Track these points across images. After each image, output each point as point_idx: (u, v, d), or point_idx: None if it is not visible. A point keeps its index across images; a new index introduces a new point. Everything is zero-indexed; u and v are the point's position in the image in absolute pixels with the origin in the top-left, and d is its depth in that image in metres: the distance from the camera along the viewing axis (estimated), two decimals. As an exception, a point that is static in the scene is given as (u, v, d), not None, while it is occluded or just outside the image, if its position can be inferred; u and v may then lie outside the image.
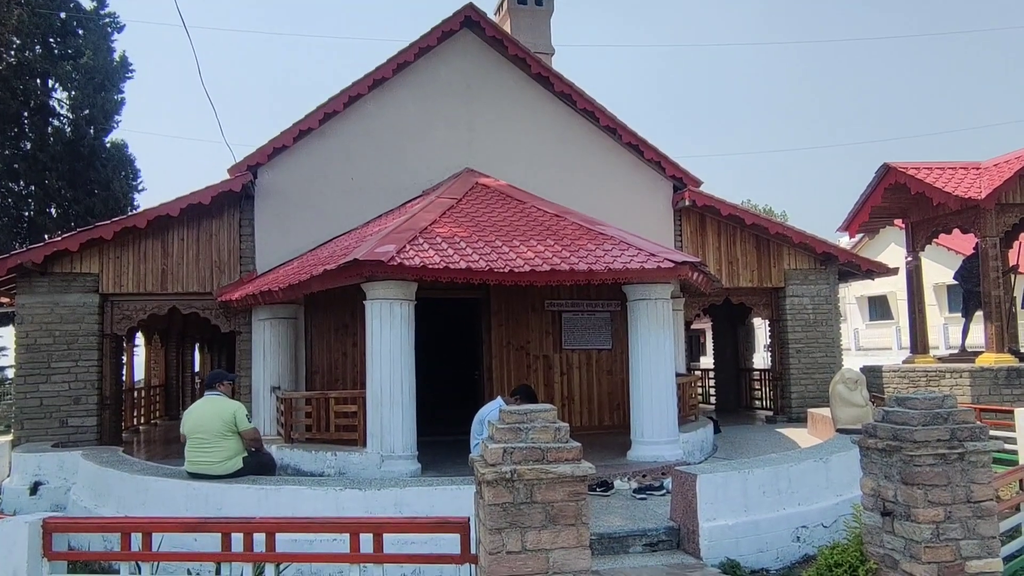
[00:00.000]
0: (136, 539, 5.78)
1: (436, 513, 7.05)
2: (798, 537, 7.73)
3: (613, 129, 15.13)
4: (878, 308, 39.48)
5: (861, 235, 26.51)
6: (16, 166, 24.45)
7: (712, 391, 21.18)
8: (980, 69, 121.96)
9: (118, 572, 6.07)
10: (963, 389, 13.76)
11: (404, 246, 9.74)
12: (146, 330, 20.30)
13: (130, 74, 26.40)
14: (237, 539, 5.66)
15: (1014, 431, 10.78)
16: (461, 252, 9.91)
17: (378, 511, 7.25)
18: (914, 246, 16.32)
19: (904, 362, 16.15)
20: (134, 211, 17.72)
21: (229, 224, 13.87)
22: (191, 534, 6.30)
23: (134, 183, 26.58)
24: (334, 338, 13.22)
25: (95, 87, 25.14)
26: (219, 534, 5.69)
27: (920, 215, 16.02)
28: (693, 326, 26.08)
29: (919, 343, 16.11)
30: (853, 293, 38.78)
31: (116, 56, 26.03)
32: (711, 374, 21.59)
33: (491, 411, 8.56)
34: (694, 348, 40.79)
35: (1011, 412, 11.13)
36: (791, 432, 14.16)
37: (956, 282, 16.93)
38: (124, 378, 16.10)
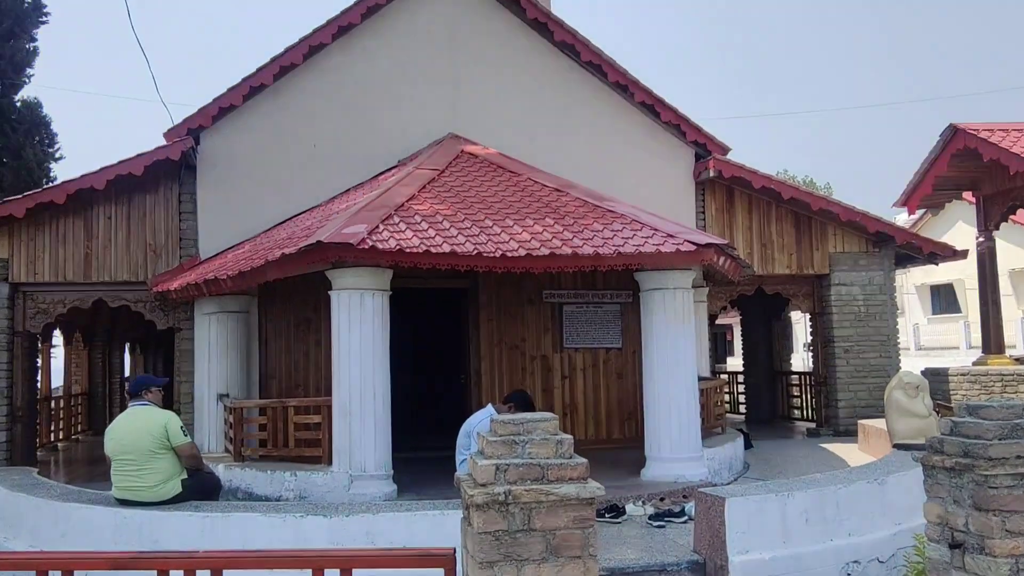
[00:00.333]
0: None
1: (416, 543, 7.04)
2: (848, 574, 7.75)
3: (624, 86, 15.11)
4: (943, 299, 39.58)
5: (922, 211, 26.44)
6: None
7: (742, 399, 21.23)
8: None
9: (35, 615, 6.06)
10: (1044, 395, 13.83)
11: (377, 226, 9.72)
12: (66, 327, 20.21)
13: (44, 18, 26.21)
14: (177, 576, 5.66)
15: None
16: (444, 233, 9.90)
17: (347, 542, 7.24)
18: (987, 224, 16.35)
19: (975, 363, 16.20)
20: (51, 184, 17.66)
21: (166, 199, 13.82)
22: (121, 571, 6.29)
23: (50, 150, 26.41)
24: (294, 336, 13.21)
25: (1, 34, 24.99)
26: (155, 571, 5.68)
27: (994, 187, 16.04)
28: (719, 321, 26.08)
29: (993, 341, 16.16)
30: (912, 281, 38.87)
31: (27, -4, 25.86)
32: (740, 378, 21.64)
33: (480, 422, 8.56)
34: (720, 347, 40.87)
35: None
36: (838, 448, 14.20)
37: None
38: (40, 385, 16.05)
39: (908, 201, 16.73)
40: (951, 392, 15.39)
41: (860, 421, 14.50)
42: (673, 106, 15.29)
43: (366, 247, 9.24)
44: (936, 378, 15.70)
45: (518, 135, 14.58)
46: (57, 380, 20.98)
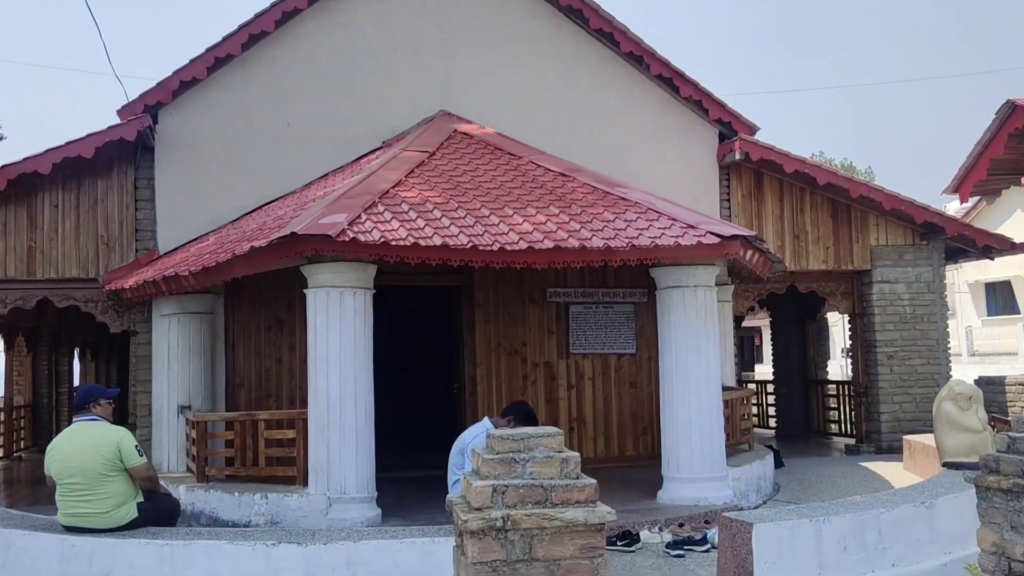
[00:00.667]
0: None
1: (402, 575, 7.04)
2: (890, 607, 7.76)
3: (638, 57, 15.12)
4: (999, 298, 39.61)
5: (976, 199, 26.43)
6: None
7: (772, 411, 21.26)
8: None
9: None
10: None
11: (359, 215, 9.72)
12: (6, 330, 20.26)
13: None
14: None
15: None
16: (435, 224, 9.91)
17: (324, 572, 7.24)
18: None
19: (1034, 371, 16.22)
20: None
21: (120, 186, 13.82)
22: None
23: (-11, 130, 26.53)
24: (265, 340, 13.22)
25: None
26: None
27: (1056, 172, 16.02)
28: (745, 323, 26.14)
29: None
30: (965, 278, 38.89)
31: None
32: (770, 388, 21.67)
33: (476, 437, 8.55)
34: (747, 352, 40.94)
35: None
36: (881, 467, 14.22)
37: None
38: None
39: (960, 187, 16.69)
40: (1008, 404, 15.40)
41: (905, 437, 14.52)
42: (694, 79, 15.30)
43: (346, 239, 9.24)
44: (991, 388, 15.72)
45: (518, 112, 14.59)
46: (-3, 390, 21.06)
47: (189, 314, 12.59)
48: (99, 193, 13.77)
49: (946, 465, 11.02)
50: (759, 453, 12.91)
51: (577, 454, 4.76)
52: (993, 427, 12.16)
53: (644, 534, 9.63)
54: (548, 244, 9.72)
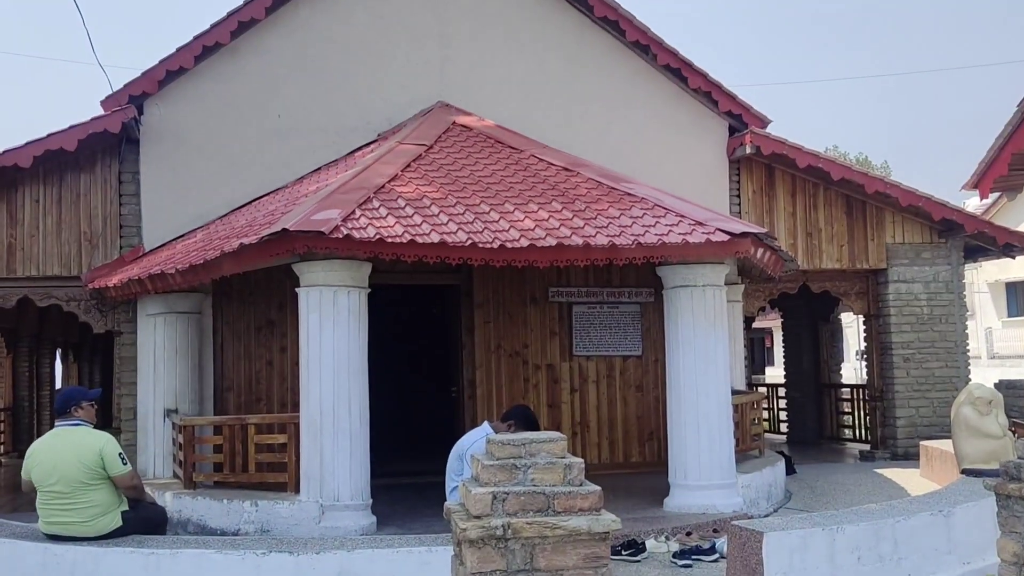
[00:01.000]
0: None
1: (398, 586, 7.06)
2: (906, 619, 7.78)
3: (645, 46, 15.11)
4: (1020, 298, 39.62)
5: (997, 195, 26.41)
6: None
7: (783, 415, 21.26)
8: None
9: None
10: None
11: (353, 211, 9.73)
12: (-13, 330, 20.28)
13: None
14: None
15: None
16: (433, 220, 9.91)
17: (316, 583, 7.26)
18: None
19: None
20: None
21: (104, 180, 13.82)
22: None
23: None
24: (255, 341, 13.23)
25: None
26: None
27: (1081, 166, 16.02)
28: (756, 324, 26.10)
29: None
30: (985, 278, 38.92)
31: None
32: (781, 392, 21.67)
33: (475, 443, 8.58)
34: (758, 355, 40.90)
35: None
36: (896, 473, 14.23)
37: None
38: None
39: (980, 183, 16.67)
40: (1030, 408, 15.39)
41: (922, 442, 14.52)
42: (703, 70, 15.30)
43: (340, 236, 9.25)
44: (1012, 392, 15.70)
45: (519, 104, 14.60)
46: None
47: (176, 314, 12.59)
48: (82, 187, 13.77)
49: (965, 472, 11.04)
50: (770, 459, 12.91)
51: (581, 460, 4.77)
52: (1014, 432, 12.17)
53: (650, 543, 9.64)
54: (551, 242, 9.73)
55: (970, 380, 15.37)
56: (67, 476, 7.87)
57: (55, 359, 24.76)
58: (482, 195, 10.78)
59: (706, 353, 10.68)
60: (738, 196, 15.61)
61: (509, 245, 9.63)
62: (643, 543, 9.58)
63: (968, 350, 16.41)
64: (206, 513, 10.52)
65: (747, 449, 12.65)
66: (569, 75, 15.00)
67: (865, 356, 17.60)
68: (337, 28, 14.46)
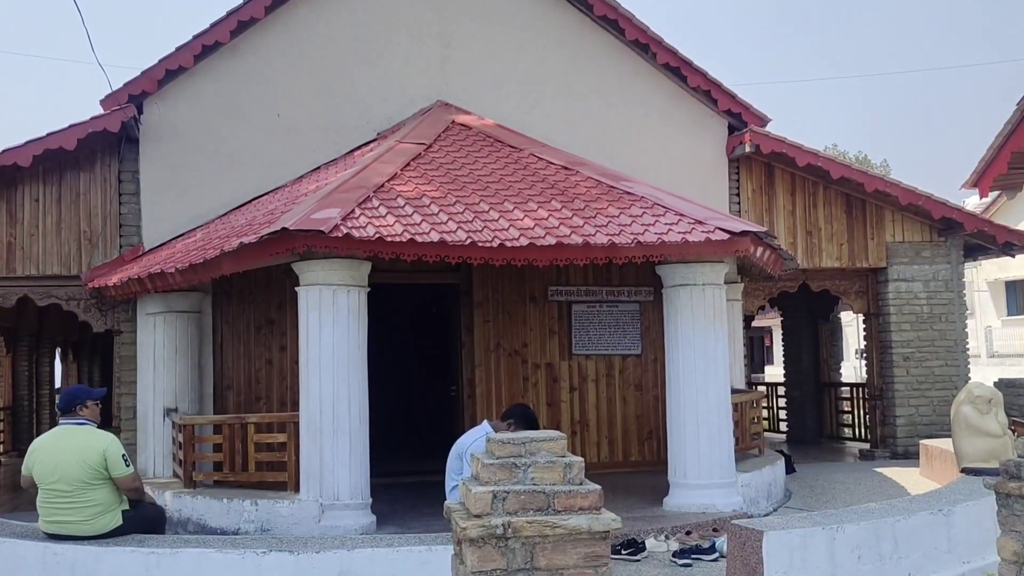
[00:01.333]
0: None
1: (398, 585, 7.06)
2: (906, 618, 7.78)
3: (644, 45, 15.11)
4: (1020, 297, 39.60)
5: (996, 193, 26.35)
6: None
7: (783, 414, 21.27)
8: None
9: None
10: None
11: (352, 210, 9.73)
12: (-14, 329, 20.27)
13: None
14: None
15: None
16: (432, 219, 9.91)
17: (316, 582, 7.26)
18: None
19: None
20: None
21: (104, 179, 13.82)
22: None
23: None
24: (255, 340, 13.23)
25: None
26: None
27: (1081, 165, 16.01)
28: (756, 323, 26.10)
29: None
30: (984, 276, 38.91)
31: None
32: (781, 391, 21.67)
33: (475, 442, 8.57)
34: (757, 354, 40.93)
35: None
36: (896, 473, 14.23)
37: None
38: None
39: (979, 181, 16.66)
40: (1030, 407, 15.40)
41: (922, 441, 14.52)
42: (702, 69, 15.30)
43: (339, 235, 9.25)
44: (1012, 390, 15.71)
45: (519, 103, 14.60)
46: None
47: (175, 313, 12.59)
48: (81, 187, 13.77)
49: (964, 471, 11.04)
50: (769, 458, 12.92)
51: (580, 459, 4.77)
52: (1013, 431, 12.18)
53: (650, 542, 9.65)
54: (550, 240, 9.72)
55: (970, 379, 15.38)
56: (69, 475, 7.86)
57: (55, 358, 24.77)
58: (481, 194, 10.78)
59: (706, 352, 10.68)
60: (737, 195, 15.61)
61: (508, 244, 9.63)
62: (643, 542, 9.58)
63: (968, 349, 16.42)
64: (206, 512, 10.52)
65: (747, 448, 12.65)
66: (569, 74, 15.00)
67: (865, 355, 17.60)
68: (337, 27, 14.46)
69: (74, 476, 7.86)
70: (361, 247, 9.45)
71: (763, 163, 15.70)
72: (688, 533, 9.90)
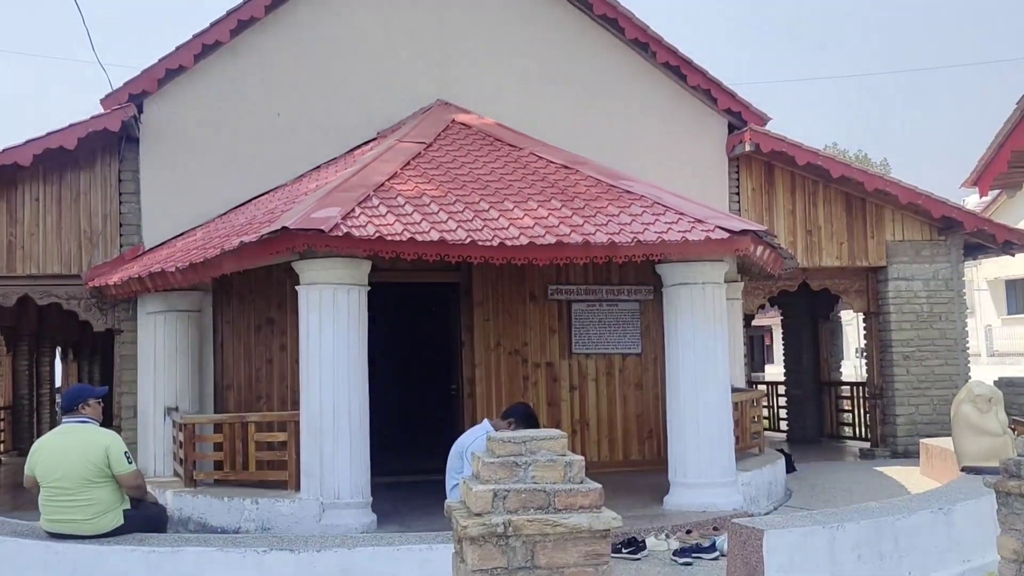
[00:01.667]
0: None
1: (398, 584, 7.06)
2: (906, 617, 7.78)
3: (644, 44, 15.11)
4: (1020, 296, 39.61)
5: (996, 192, 26.35)
6: None
7: (783, 413, 21.27)
8: None
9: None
10: None
11: (353, 209, 9.73)
12: (-13, 329, 20.26)
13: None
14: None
15: None
16: (432, 218, 9.91)
17: (317, 581, 7.26)
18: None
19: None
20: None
21: (104, 178, 13.82)
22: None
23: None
24: (255, 339, 13.23)
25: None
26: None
27: (1082, 163, 16.00)
28: (756, 322, 26.09)
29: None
30: (984, 275, 38.91)
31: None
32: (781, 390, 21.67)
33: (475, 440, 8.59)
34: (757, 353, 40.91)
35: None
36: (896, 472, 14.23)
37: None
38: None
39: (979, 180, 16.68)
40: (1030, 406, 15.39)
41: (922, 440, 14.52)
42: (702, 68, 15.30)
43: (340, 234, 9.25)
44: (1012, 389, 15.71)
45: (519, 102, 14.59)
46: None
47: (176, 312, 12.59)
48: (82, 186, 13.77)
49: (965, 470, 11.04)
50: (770, 457, 12.92)
51: (581, 458, 4.77)
52: (1014, 430, 12.18)
53: (650, 541, 9.65)
54: (550, 239, 9.72)
55: (970, 378, 15.36)
56: (72, 473, 7.87)
57: (55, 358, 24.79)
58: (481, 193, 10.78)
59: (706, 351, 10.68)
60: (737, 194, 15.61)
61: (509, 243, 9.63)
62: (643, 541, 9.58)
63: (968, 347, 16.41)
64: (207, 511, 10.53)
65: (747, 447, 12.65)
66: (569, 73, 14.99)
67: (865, 354, 17.60)
68: (337, 26, 14.46)
69: (76, 474, 7.86)
70: (361, 246, 9.45)
71: (763, 162, 15.70)
72: (688, 532, 9.90)
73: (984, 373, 22.62)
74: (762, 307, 17.38)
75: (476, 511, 4.61)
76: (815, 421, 20.01)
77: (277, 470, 10.75)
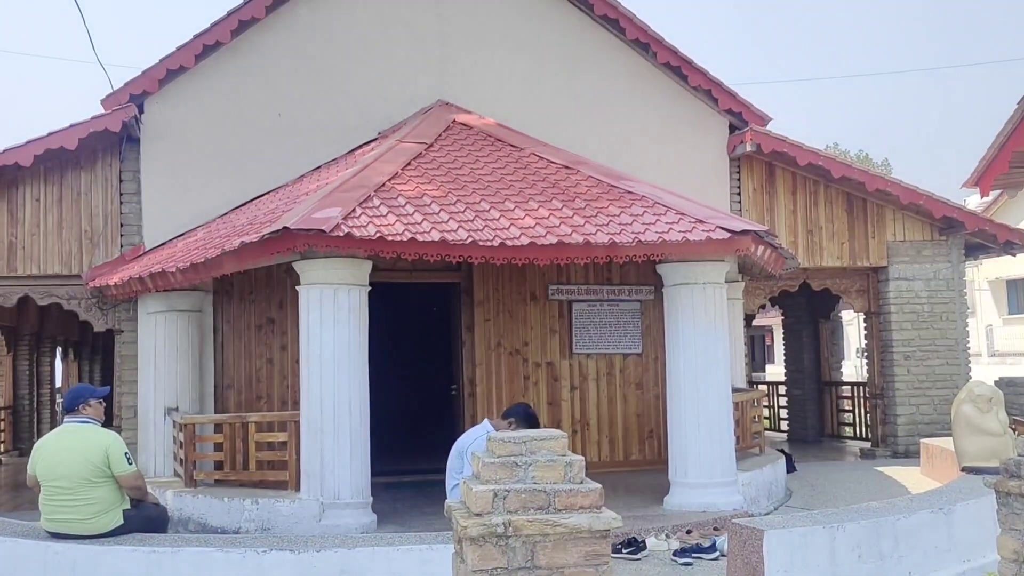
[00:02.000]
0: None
1: (398, 584, 7.06)
2: (906, 617, 7.78)
3: (645, 44, 15.11)
4: (1021, 296, 39.58)
5: (997, 192, 26.36)
6: None
7: (783, 413, 21.27)
8: None
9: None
10: None
11: (353, 209, 9.73)
12: (-13, 329, 20.26)
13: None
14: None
15: None
16: (433, 218, 9.91)
17: (317, 581, 7.26)
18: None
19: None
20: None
21: (105, 178, 13.82)
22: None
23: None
24: (255, 339, 13.23)
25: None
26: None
27: (1084, 162, 15.99)
28: (756, 322, 26.13)
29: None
30: (985, 275, 38.88)
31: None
32: (782, 389, 21.68)
33: (475, 440, 8.58)
34: (758, 352, 40.95)
35: None
36: (897, 471, 14.23)
37: None
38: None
39: (980, 180, 16.68)
40: (1031, 406, 15.39)
41: (923, 440, 14.52)
42: (703, 68, 15.30)
43: (340, 234, 9.25)
44: (1012, 389, 15.70)
45: (519, 102, 14.59)
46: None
47: (176, 312, 12.59)
48: (82, 186, 13.77)
49: (965, 470, 11.04)
50: (770, 457, 12.92)
51: (581, 458, 4.77)
52: (1014, 430, 12.18)
53: (650, 541, 9.64)
54: (551, 239, 9.72)
55: (970, 378, 15.36)
56: (72, 472, 7.87)
57: (55, 358, 24.78)
58: (482, 193, 10.78)
59: (706, 351, 10.68)
60: (738, 194, 15.60)
61: (509, 243, 9.63)
62: (643, 541, 9.58)
63: (968, 348, 16.41)
64: (207, 511, 10.53)
65: (747, 447, 12.65)
66: (569, 73, 14.99)
67: (865, 354, 17.61)
68: (337, 26, 14.46)
69: (77, 474, 7.87)
70: (362, 246, 9.45)
71: (764, 162, 15.70)
72: (689, 532, 9.91)
73: (985, 373, 22.63)
74: (763, 307, 17.39)
75: (476, 511, 4.61)
76: (816, 421, 20.00)
77: (277, 470, 10.76)
